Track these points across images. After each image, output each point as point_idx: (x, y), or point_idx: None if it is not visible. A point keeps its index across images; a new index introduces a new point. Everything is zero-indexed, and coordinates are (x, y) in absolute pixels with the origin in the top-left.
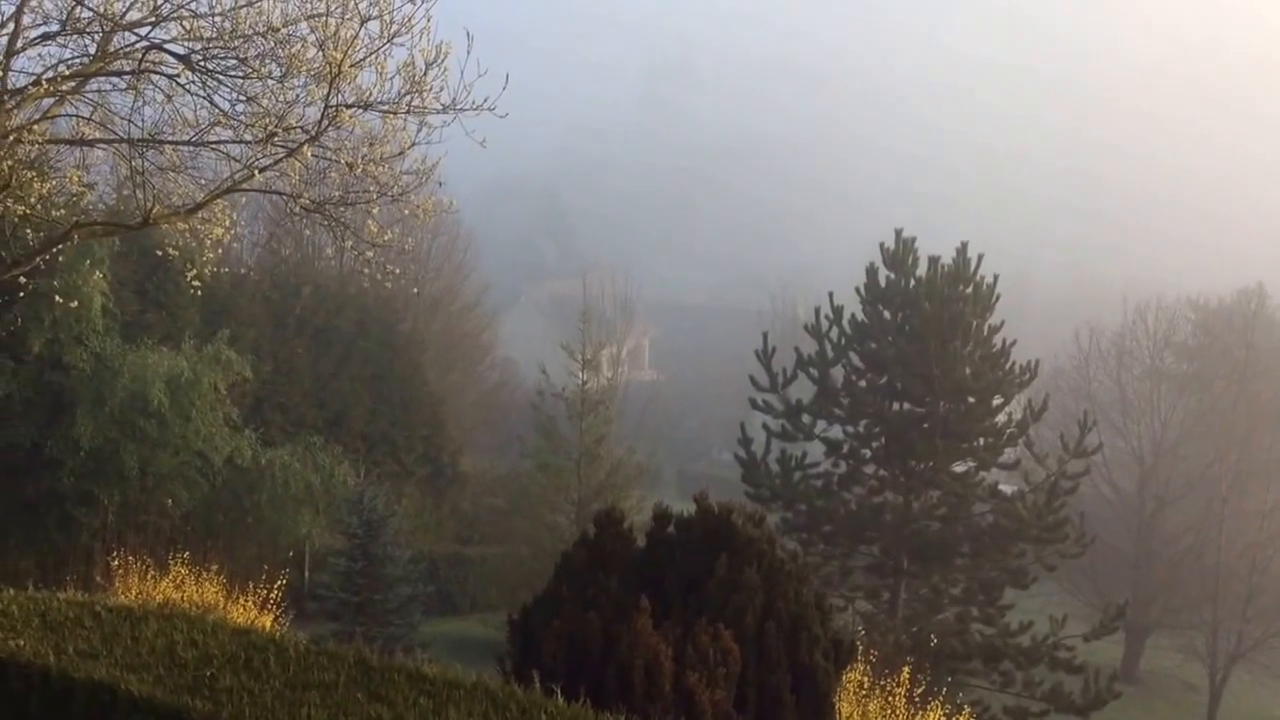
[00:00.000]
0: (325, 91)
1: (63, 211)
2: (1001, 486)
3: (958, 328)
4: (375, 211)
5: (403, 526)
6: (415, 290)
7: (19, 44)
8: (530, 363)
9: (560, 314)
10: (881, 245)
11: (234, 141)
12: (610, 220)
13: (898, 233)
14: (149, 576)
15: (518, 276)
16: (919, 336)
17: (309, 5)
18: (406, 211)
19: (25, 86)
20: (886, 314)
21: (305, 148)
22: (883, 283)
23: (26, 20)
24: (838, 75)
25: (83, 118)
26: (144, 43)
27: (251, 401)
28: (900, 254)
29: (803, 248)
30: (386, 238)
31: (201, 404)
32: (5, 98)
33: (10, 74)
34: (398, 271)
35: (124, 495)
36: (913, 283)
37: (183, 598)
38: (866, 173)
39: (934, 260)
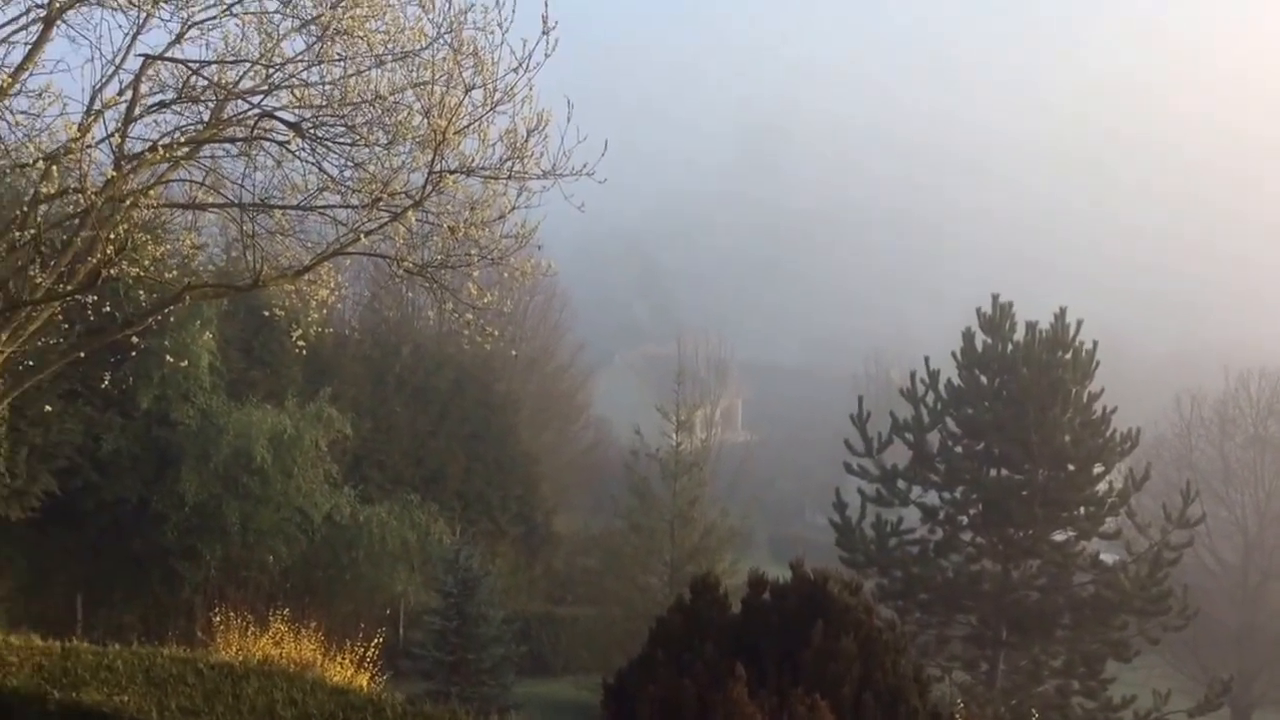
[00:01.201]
0: (429, 157)
1: (175, 273)
2: (1103, 556)
3: (1057, 394)
4: (475, 274)
5: (497, 586)
6: (513, 353)
7: (137, 111)
8: (624, 423)
9: (654, 374)
10: (978, 310)
11: (340, 206)
12: (704, 281)
13: (994, 297)
14: (249, 632)
15: (612, 337)
16: (1017, 402)
17: (415, 74)
18: (506, 274)
19: (142, 152)
20: (983, 379)
21: (409, 212)
22: (979, 348)
23: (144, 89)
24: (933, 140)
25: (196, 182)
26: (256, 110)
27: (351, 459)
28: (997, 319)
29: (897, 311)
30: (486, 300)
31: (303, 461)
32: (123, 163)
33: (128, 140)
34: (496, 333)
35: (226, 550)
36: (1010, 348)
37: (281, 655)
38: (961, 237)
39: (1031, 326)
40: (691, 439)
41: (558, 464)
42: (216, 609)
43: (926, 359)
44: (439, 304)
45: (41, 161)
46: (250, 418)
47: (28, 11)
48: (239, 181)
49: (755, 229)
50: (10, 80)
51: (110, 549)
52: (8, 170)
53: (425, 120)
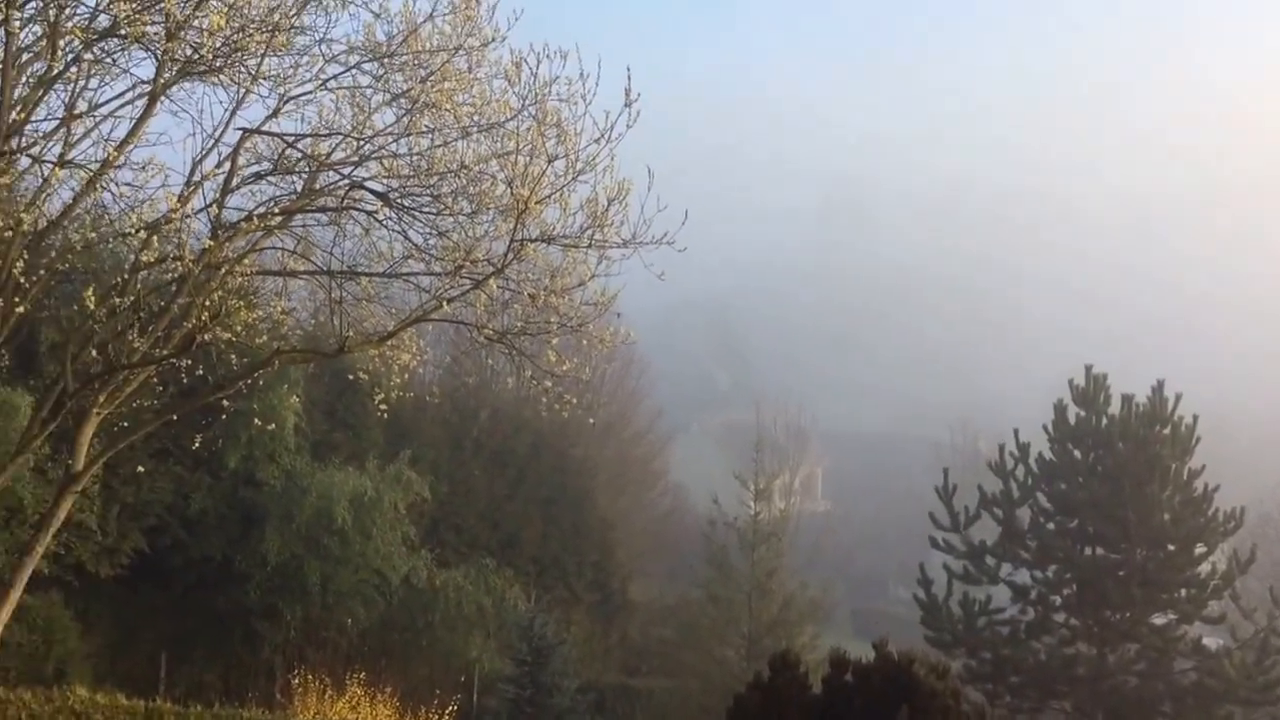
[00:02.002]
0: (512, 226)
1: (265, 338)
2: (1205, 642)
3: (1155, 470)
4: (554, 341)
5: (571, 654)
6: (591, 421)
7: (234, 183)
8: (701, 490)
9: (732, 442)
10: (1071, 382)
11: (424, 273)
12: (783, 349)
13: (1088, 369)
14: (326, 695)
15: (689, 403)
16: (1113, 478)
17: (500, 145)
18: (585, 342)
19: (238, 222)
20: (1077, 453)
21: (491, 280)
22: (1072, 420)
23: (242, 161)
24: (1016, 210)
25: (287, 250)
26: (346, 181)
27: (429, 522)
28: (1091, 391)
29: (983, 382)
30: (565, 368)
31: (382, 523)
32: (220, 232)
33: (225, 210)
34: (574, 400)
35: (306, 611)
36: (1105, 421)
37: (358, 719)
38: (1050, 307)
39: (1127, 399)
40: (770, 508)
41: (634, 530)
42: (296, 670)
43: (1016, 431)
44: (518, 371)
45: (143, 231)
46: (332, 479)
47: (133, 87)
48: (328, 249)
49: (836, 296)
50: (116, 154)
51: (194, 607)
52: (110, 238)
53: (508, 189)
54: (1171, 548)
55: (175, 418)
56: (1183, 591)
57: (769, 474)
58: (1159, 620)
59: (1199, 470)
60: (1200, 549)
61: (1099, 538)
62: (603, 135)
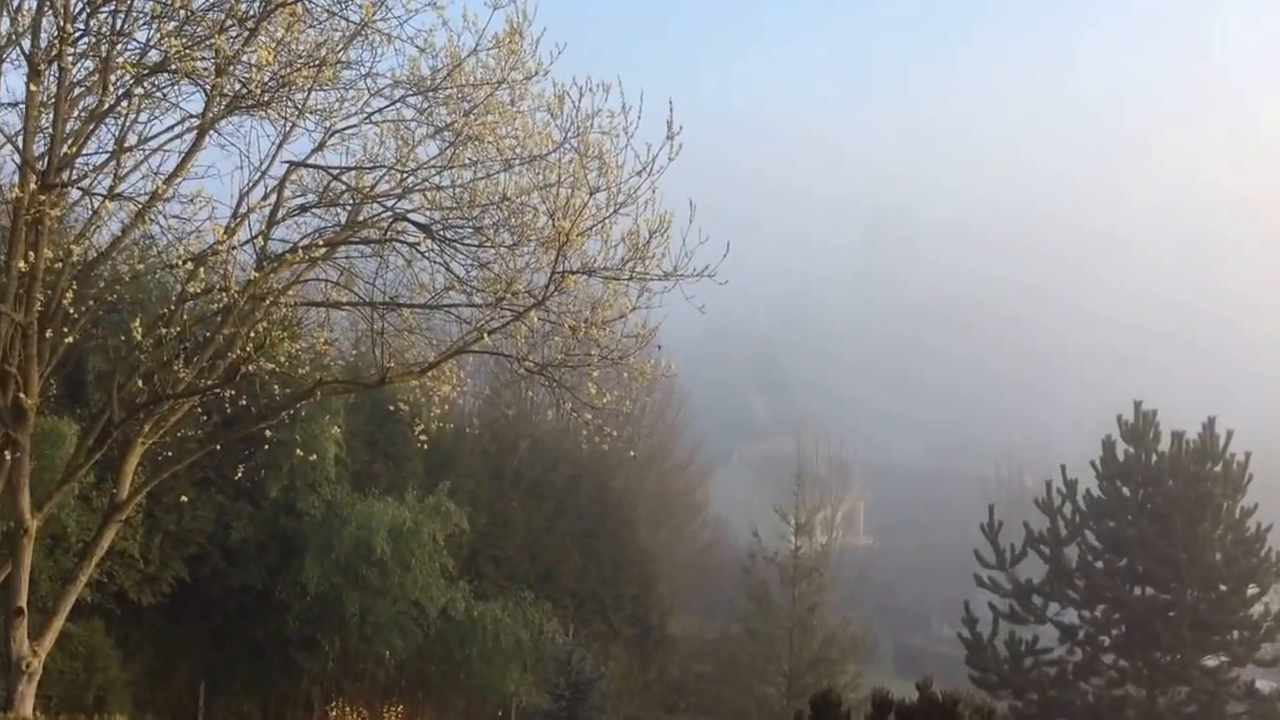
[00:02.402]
0: (553, 258)
1: (307, 369)
2: (1259, 685)
3: (1206, 508)
4: (595, 374)
5: (609, 689)
6: (631, 454)
7: (280, 214)
8: (741, 522)
9: (773, 473)
10: (1120, 418)
11: (465, 305)
12: (825, 379)
13: (1137, 405)
14: None
15: (730, 434)
16: (1163, 516)
17: (541, 177)
18: (626, 374)
19: (283, 254)
20: (1126, 491)
21: (532, 312)
22: (1121, 457)
23: (287, 193)
24: (1064, 242)
25: (330, 281)
26: (389, 213)
27: (467, 553)
28: (1141, 427)
29: (1029, 415)
30: (605, 400)
31: (420, 554)
32: (265, 264)
33: (270, 242)
34: (614, 433)
35: (344, 642)
36: (1155, 458)
37: None
38: (1098, 340)
39: (1178, 435)
40: (811, 542)
41: (674, 564)
42: (334, 702)
43: (1063, 468)
44: (558, 403)
45: (189, 263)
46: (372, 509)
47: (182, 121)
48: (371, 281)
49: (879, 327)
50: (165, 187)
51: (233, 636)
52: (157, 269)
53: (550, 221)
54: (1223, 588)
55: (218, 447)
56: (1235, 633)
57: (810, 508)
58: (1210, 662)
59: (1251, 509)
60: (1253, 590)
61: (1149, 577)
62: (644, 168)
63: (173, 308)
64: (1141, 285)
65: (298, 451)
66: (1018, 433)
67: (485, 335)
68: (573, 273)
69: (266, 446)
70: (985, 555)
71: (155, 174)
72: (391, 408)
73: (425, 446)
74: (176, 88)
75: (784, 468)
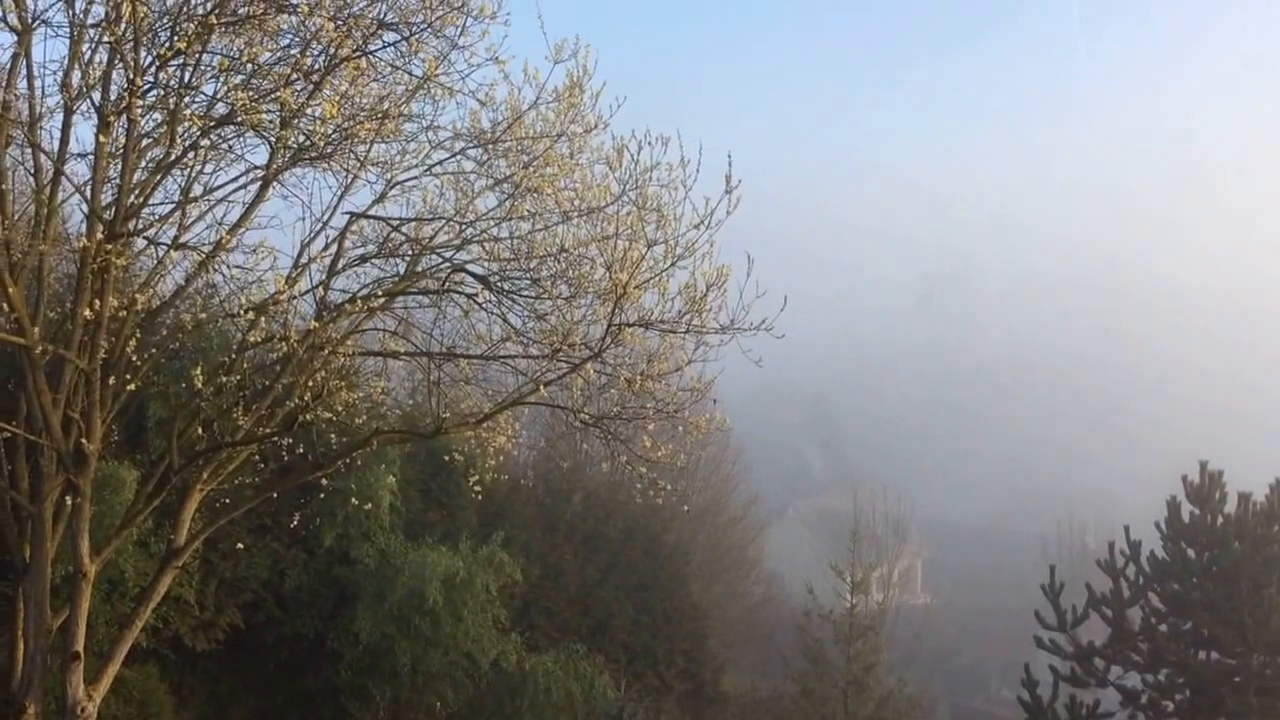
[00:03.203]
0: (610, 310)
1: (364, 418)
2: None
3: (1273, 572)
4: (650, 427)
5: None
6: (686, 508)
7: (340, 265)
8: (796, 578)
9: (828, 529)
10: (1184, 478)
11: (522, 356)
12: (883, 433)
13: (1202, 465)
14: None
15: (785, 487)
16: (1229, 580)
17: (599, 229)
18: (681, 428)
19: (342, 304)
20: (1191, 553)
21: (588, 364)
22: (1186, 518)
23: (348, 243)
24: (1129, 290)
25: (388, 331)
26: (448, 264)
27: (519, 605)
28: (1206, 488)
29: (1091, 475)
30: (660, 454)
31: (473, 604)
32: (324, 313)
33: (330, 292)
34: (669, 487)
35: (395, 692)
36: (1220, 520)
37: None
38: (1162, 396)
39: (1244, 497)
40: (867, 600)
41: (727, 619)
42: None
43: (1126, 529)
44: (613, 456)
45: (251, 312)
46: (425, 559)
47: (247, 172)
48: (428, 331)
49: (937, 379)
50: (228, 237)
51: (286, 684)
52: (219, 318)
53: (607, 274)
54: None
55: (274, 495)
56: None
57: (866, 565)
58: None
59: None
60: None
61: (1214, 641)
62: (702, 221)
63: (233, 356)
64: (1208, 344)
65: (353, 500)
66: (1080, 492)
67: (541, 387)
68: (629, 325)
69: (322, 495)
70: (1046, 616)
71: (219, 224)
72: (446, 457)
73: (479, 496)
74: (242, 139)
75: (839, 524)
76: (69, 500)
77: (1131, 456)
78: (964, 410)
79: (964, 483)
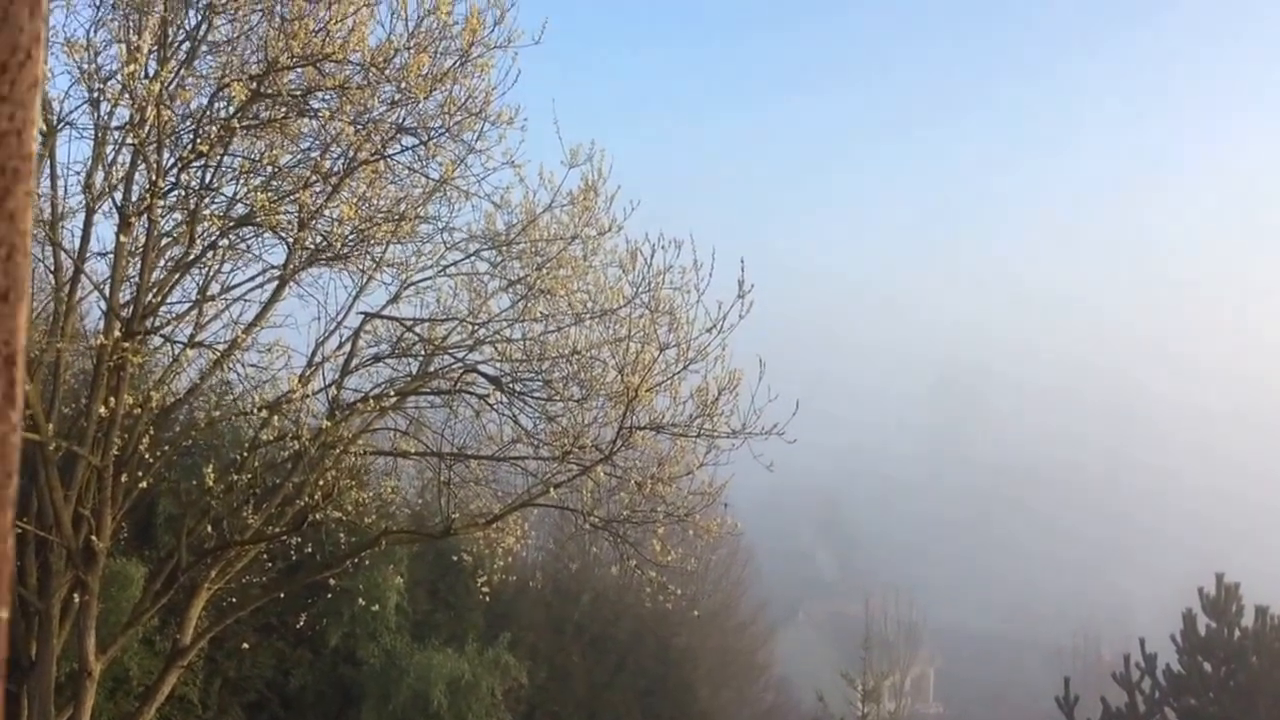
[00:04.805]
0: (621, 413)
1: (374, 517)
2: None
3: None
4: (661, 531)
5: None
6: (695, 613)
7: (353, 364)
8: (806, 685)
9: (839, 634)
10: (1201, 590)
11: (532, 457)
12: (894, 537)
13: (1219, 578)
14: None
15: (796, 591)
16: (1246, 694)
17: (611, 331)
18: (691, 532)
19: (355, 403)
20: (1208, 667)
21: (599, 467)
22: (1202, 631)
23: (361, 343)
24: (1143, 408)
25: (399, 430)
26: (460, 365)
27: (525, 708)
28: (1222, 601)
29: (1107, 584)
30: (670, 559)
31: (478, 707)
32: (337, 412)
33: (343, 390)
34: (679, 592)
35: None
36: (1237, 634)
37: None
38: (1179, 506)
39: (1262, 610)
40: (879, 709)
41: None
42: None
43: (1142, 641)
44: (623, 559)
45: (264, 410)
46: (431, 661)
47: (264, 271)
48: (439, 431)
49: (949, 484)
50: (244, 336)
51: None
52: (232, 416)
53: (619, 376)
54: None
55: (281, 594)
56: None
57: (878, 672)
58: None
59: None
60: None
61: None
62: (715, 325)
63: (245, 454)
64: (1224, 453)
65: (360, 600)
66: (1094, 604)
67: (551, 489)
68: (641, 428)
69: (329, 594)
70: None
71: (235, 323)
72: (455, 558)
73: (487, 598)
74: (260, 239)
75: (851, 629)
76: (76, 597)
77: (1146, 568)
78: (977, 519)
79: (977, 591)
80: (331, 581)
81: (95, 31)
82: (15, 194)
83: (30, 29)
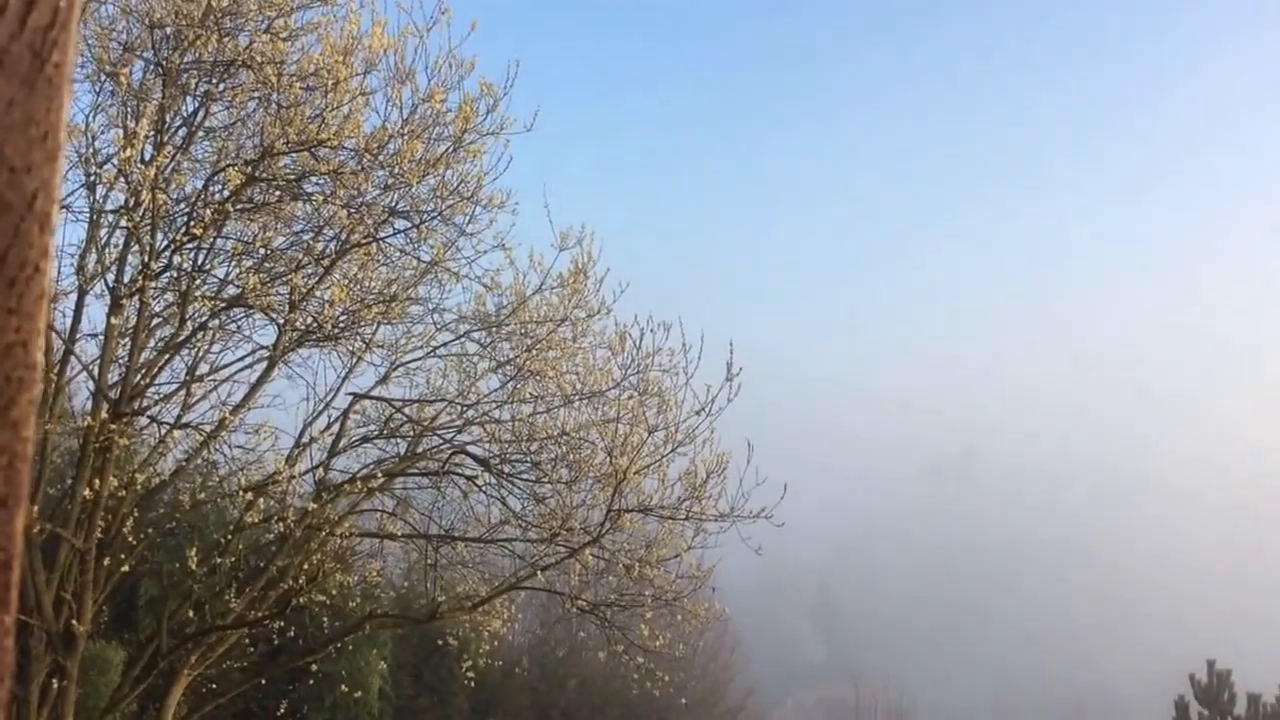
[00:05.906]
0: (609, 495)
1: (358, 601)
2: None
3: None
4: (648, 615)
5: None
6: (683, 701)
7: (341, 445)
8: None
9: None
10: (1192, 677)
11: (520, 539)
12: (884, 622)
13: (1210, 664)
14: None
15: (785, 676)
16: None
17: (600, 412)
18: (679, 616)
19: (342, 484)
20: None
21: (587, 549)
22: (1194, 718)
23: (350, 424)
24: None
25: (386, 512)
26: (449, 446)
27: None
28: (1214, 688)
29: (1097, 667)
30: (658, 644)
31: None
32: (323, 494)
33: (329, 472)
34: (666, 678)
35: None
36: None
37: None
38: (1169, 594)
39: (1254, 698)
40: None
41: None
42: None
43: None
44: (610, 644)
45: (249, 493)
46: None
47: (253, 352)
48: (427, 513)
49: (939, 573)
50: (231, 417)
51: None
52: (217, 497)
53: (608, 458)
54: None
55: (263, 680)
56: None
57: None
58: None
59: None
60: None
61: None
62: (703, 408)
63: (229, 536)
64: (1218, 537)
65: (342, 686)
66: (1085, 689)
67: (539, 572)
68: (629, 511)
69: (311, 680)
70: None
71: (223, 404)
72: (440, 641)
73: (472, 683)
74: (250, 320)
75: (840, 715)
76: (55, 683)
77: (1137, 653)
78: (967, 603)
79: (966, 675)
80: (314, 666)
81: (94, 116)
82: (19, 403)
83: (40, 244)
